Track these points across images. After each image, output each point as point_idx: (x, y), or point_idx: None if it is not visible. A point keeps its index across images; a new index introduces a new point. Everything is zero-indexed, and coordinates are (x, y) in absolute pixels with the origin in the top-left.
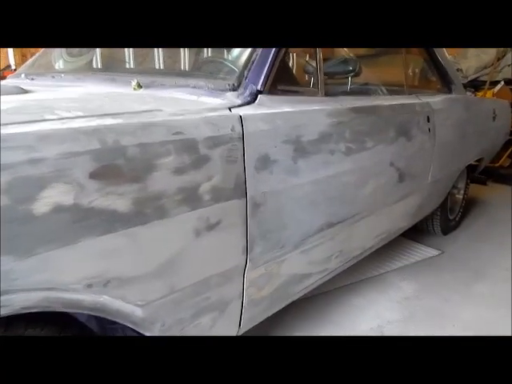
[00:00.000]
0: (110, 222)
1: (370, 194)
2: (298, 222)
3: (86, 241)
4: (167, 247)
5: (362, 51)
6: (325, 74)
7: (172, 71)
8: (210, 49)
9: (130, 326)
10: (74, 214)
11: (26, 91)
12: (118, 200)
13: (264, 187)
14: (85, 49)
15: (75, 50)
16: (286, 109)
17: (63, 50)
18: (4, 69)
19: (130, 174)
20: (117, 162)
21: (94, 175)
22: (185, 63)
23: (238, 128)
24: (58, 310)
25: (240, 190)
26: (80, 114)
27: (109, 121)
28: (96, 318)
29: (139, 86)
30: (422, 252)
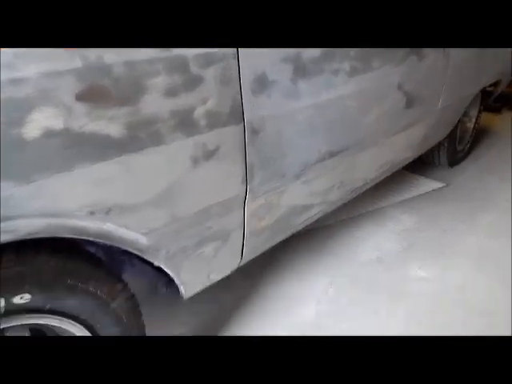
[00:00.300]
0: (104, 148)
1: (375, 120)
2: (299, 150)
3: (82, 168)
4: (165, 175)
5: None
6: None
7: None
8: None
9: (137, 253)
10: (66, 139)
11: None
12: (110, 125)
13: (262, 112)
14: None
15: None
16: None
17: None
18: None
19: (118, 95)
20: (103, 82)
21: (80, 97)
22: None
23: None
24: (63, 235)
25: (237, 114)
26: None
27: None
28: (104, 248)
29: None
30: (426, 185)
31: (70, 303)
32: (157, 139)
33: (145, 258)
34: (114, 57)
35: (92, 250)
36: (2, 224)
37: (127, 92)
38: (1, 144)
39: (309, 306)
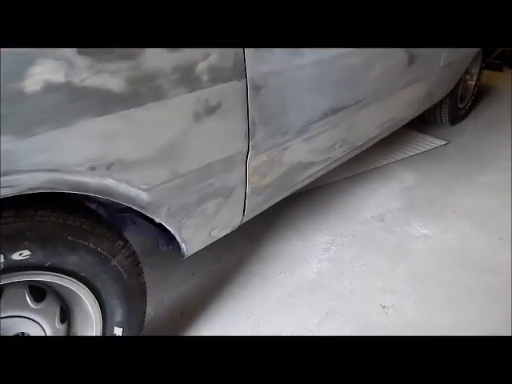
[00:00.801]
0: (105, 102)
1: (377, 77)
2: (301, 106)
3: (83, 122)
4: (166, 131)
5: None
6: None
7: None
8: None
9: (138, 209)
10: (67, 93)
11: None
12: (111, 79)
13: (265, 68)
14: None
15: None
16: None
17: None
18: None
19: (119, 49)
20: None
21: (82, 50)
22: None
23: None
24: (64, 191)
25: (239, 70)
26: None
27: None
28: (104, 205)
29: None
30: (427, 143)
31: (70, 260)
32: (158, 94)
33: (146, 214)
34: None
35: (93, 206)
36: (2, 178)
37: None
38: (0, 97)
39: (310, 265)
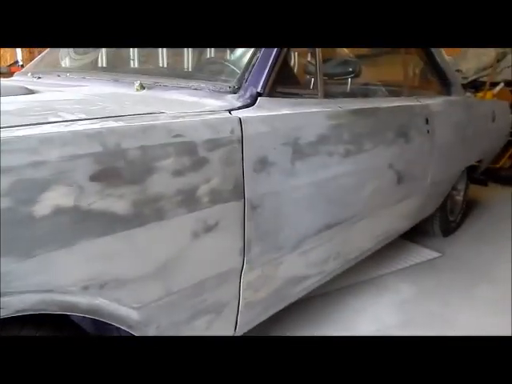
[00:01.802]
0: (109, 223)
1: (369, 195)
2: (296, 223)
3: (85, 242)
4: (165, 249)
5: (361, 51)
6: (325, 75)
7: (174, 72)
8: (212, 50)
9: (124, 328)
10: (73, 215)
11: (31, 91)
12: (118, 202)
13: (262, 189)
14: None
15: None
16: (285, 111)
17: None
18: (11, 65)
19: (129, 176)
20: (117, 164)
21: (94, 177)
22: (187, 64)
23: (238, 130)
24: (53, 312)
25: (238, 191)
26: (83, 116)
27: (111, 123)
28: (91, 318)
29: (142, 87)
30: (422, 254)
31: None
32: (160, 215)
33: (132, 333)
34: (131, 142)
35: (77, 320)
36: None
37: (138, 173)
38: (8, 222)
39: None
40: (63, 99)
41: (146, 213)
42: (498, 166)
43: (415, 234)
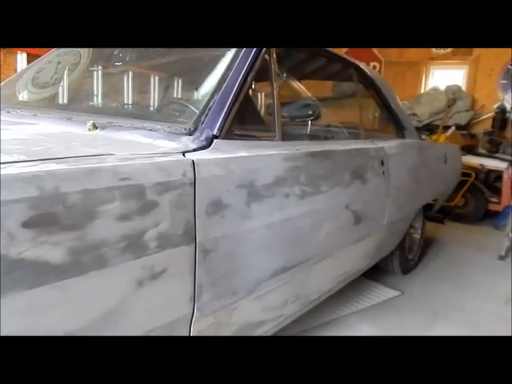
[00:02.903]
0: (42, 273)
1: (326, 236)
2: (252, 266)
3: (14, 294)
4: (106, 299)
5: (320, 95)
6: (285, 117)
7: (130, 112)
8: (171, 91)
9: None
10: (2, 265)
11: None
12: (52, 250)
13: (215, 232)
14: (50, 82)
15: (40, 82)
16: (242, 153)
17: (29, 80)
18: None
19: (67, 221)
20: (54, 209)
21: (27, 224)
22: (145, 104)
23: (190, 173)
24: None
25: (189, 235)
26: (23, 157)
27: (51, 166)
28: None
29: (95, 126)
30: (382, 293)
31: None
32: (101, 262)
33: None
34: (72, 185)
35: None
36: None
37: (78, 218)
38: None
39: None
40: (6, 139)
41: (86, 261)
42: (452, 204)
43: (376, 273)
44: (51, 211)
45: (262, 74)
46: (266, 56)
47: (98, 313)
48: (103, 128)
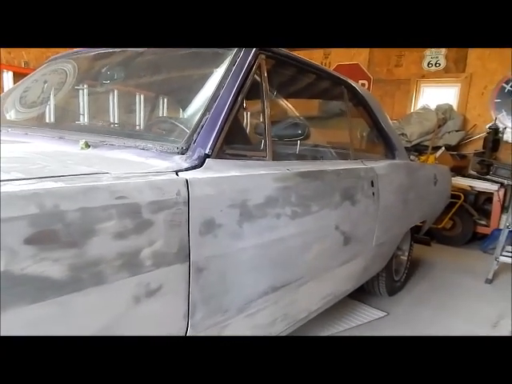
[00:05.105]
0: (42, 289)
1: (315, 257)
2: (242, 286)
3: (15, 309)
4: (103, 315)
5: (310, 114)
6: (274, 137)
7: (122, 131)
8: (162, 110)
9: None
10: (3, 282)
11: None
12: (53, 266)
13: (208, 251)
14: (37, 101)
15: (28, 101)
16: (233, 173)
17: (17, 99)
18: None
19: (67, 239)
20: (54, 227)
21: (28, 241)
22: (136, 123)
23: (184, 192)
24: None
25: (183, 254)
26: (20, 175)
27: (49, 184)
28: None
29: (87, 145)
30: (368, 313)
31: None
32: (99, 279)
33: None
34: (70, 203)
35: None
36: None
37: (77, 235)
38: None
39: None
40: (1, 156)
41: (84, 277)
42: (440, 226)
43: (362, 293)
44: (51, 228)
45: (251, 92)
46: (257, 77)
47: (95, 328)
48: (95, 147)
